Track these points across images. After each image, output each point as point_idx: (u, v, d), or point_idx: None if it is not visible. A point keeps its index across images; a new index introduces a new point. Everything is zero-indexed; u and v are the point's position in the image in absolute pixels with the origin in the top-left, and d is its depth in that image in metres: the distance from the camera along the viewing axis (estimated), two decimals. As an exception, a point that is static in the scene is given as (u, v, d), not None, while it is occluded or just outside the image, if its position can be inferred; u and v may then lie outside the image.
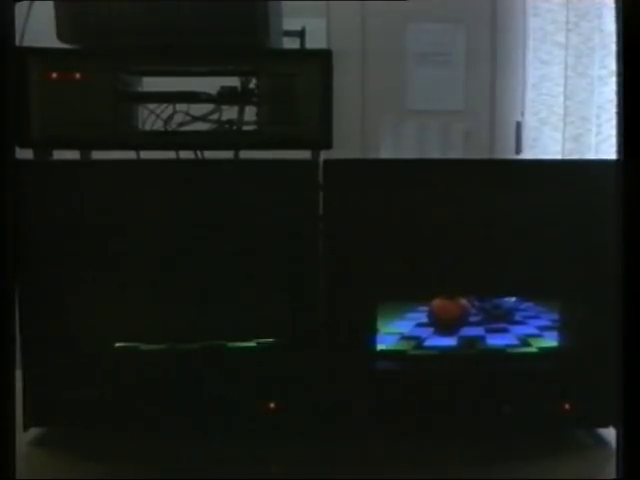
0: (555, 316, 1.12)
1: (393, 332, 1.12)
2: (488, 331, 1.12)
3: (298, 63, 1.12)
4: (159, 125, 1.20)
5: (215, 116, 1.20)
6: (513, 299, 1.12)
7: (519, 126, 3.04)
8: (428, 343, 1.12)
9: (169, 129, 1.20)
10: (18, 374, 1.07)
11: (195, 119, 1.21)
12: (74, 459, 1.10)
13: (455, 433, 1.13)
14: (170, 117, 1.20)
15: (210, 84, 1.18)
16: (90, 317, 1.10)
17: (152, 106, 1.21)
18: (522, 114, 3.05)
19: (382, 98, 3.05)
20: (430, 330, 1.12)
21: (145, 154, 1.21)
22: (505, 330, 1.12)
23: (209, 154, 1.22)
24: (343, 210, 1.10)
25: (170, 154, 1.20)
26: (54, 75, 1.10)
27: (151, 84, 1.23)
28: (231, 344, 1.11)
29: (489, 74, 3.10)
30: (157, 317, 1.10)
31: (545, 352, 1.13)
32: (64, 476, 1.04)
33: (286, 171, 1.10)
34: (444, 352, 1.12)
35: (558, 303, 1.12)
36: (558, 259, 1.11)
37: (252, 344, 1.11)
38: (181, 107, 1.20)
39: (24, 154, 1.10)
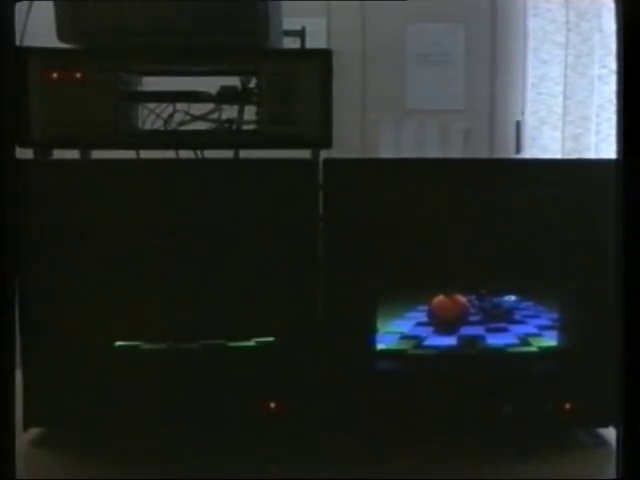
0: (555, 315, 1.12)
1: (393, 331, 1.12)
2: (488, 330, 1.12)
3: (298, 63, 1.12)
4: (159, 124, 1.20)
5: (215, 115, 1.20)
6: (513, 298, 1.12)
7: (519, 125, 3.04)
8: (428, 342, 1.12)
9: (169, 128, 1.20)
10: (18, 374, 1.07)
11: (195, 118, 1.21)
12: (74, 459, 1.10)
13: (455, 433, 1.13)
14: (170, 116, 1.20)
15: (210, 84, 1.18)
16: (90, 317, 1.10)
17: (152, 105, 1.21)
18: (522, 113, 3.06)
19: (382, 98, 3.05)
20: (430, 329, 1.12)
21: (145, 153, 1.21)
22: (505, 329, 1.12)
23: (209, 153, 1.22)
24: (343, 209, 1.10)
25: (170, 153, 1.20)
26: (54, 75, 1.10)
27: (151, 84, 1.23)
28: (231, 343, 1.11)
29: (489, 74, 3.10)
30: (157, 316, 1.10)
31: (545, 351, 1.13)
32: (64, 476, 1.04)
33: (286, 170, 1.10)
34: (444, 351, 1.12)
35: (558, 302, 1.12)
36: (558, 258, 1.11)
37: (252, 343, 1.11)
38: (181, 106, 1.20)
39: (24, 154, 1.10)
